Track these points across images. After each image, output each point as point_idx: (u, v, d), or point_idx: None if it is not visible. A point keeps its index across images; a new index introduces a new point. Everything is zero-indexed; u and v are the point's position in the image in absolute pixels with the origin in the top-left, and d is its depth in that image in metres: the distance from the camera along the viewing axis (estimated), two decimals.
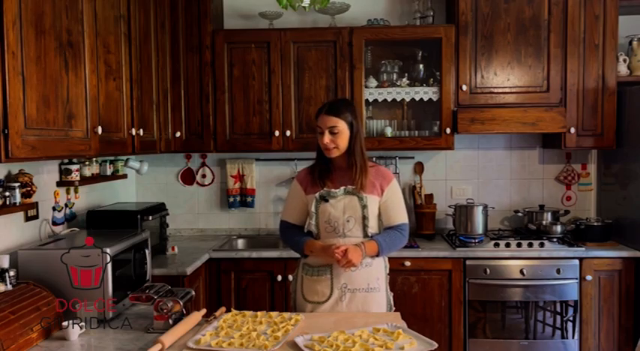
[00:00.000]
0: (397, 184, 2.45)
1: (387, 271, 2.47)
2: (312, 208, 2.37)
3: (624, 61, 3.59)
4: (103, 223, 2.98)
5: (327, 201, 2.34)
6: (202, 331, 1.96)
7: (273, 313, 2.15)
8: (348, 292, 2.34)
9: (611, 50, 3.49)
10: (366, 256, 2.31)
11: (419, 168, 3.93)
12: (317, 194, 2.36)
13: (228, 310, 2.22)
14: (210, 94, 3.63)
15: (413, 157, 3.93)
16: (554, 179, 3.94)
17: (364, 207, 2.33)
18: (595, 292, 3.32)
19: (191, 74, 3.63)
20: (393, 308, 2.47)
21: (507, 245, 3.40)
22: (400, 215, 2.43)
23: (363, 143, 2.39)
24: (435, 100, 3.60)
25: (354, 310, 2.33)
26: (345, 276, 2.34)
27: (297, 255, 2.55)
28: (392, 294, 2.48)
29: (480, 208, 3.58)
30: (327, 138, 2.32)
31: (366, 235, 2.35)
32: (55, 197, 2.86)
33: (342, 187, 2.35)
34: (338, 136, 2.32)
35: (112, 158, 3.39)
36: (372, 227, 2.37)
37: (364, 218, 2.33)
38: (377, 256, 2.36)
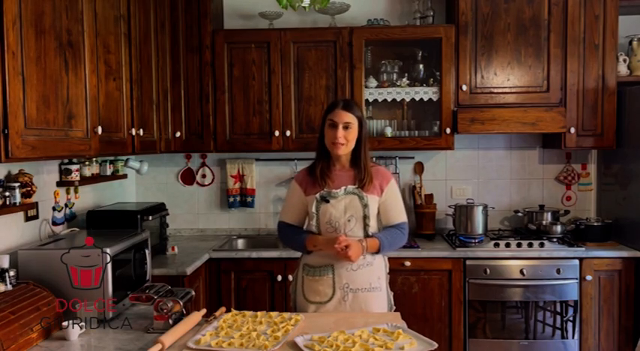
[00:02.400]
0: (396, 183, 2.46)
1: (388, 270, 2.48)
2: (313, 209, 2.36)
3: (624, 61, 3.59)
4: (103, 223, 2.98)
5: (327, 202, 2.34)
6: (202, 331, 1.96)
7: (273, 313, 2.14)
8: (351, 292, 2.34)
9: (611, 50, 3.49)
10: (366, 254, 2.32)
11: (419, 168, 3.93)
12: (317, 195, 2.36)
13: (228, 310, 2.21)
14: (210, 94, 3.63)
15: (413, 157, 3.93)
16: (554, 179, 3.94)
17: (365, 206, 2.33)
18: (595, 292, 3.32)
19: (191, 74, 3.63)
20: (394, 307, 2.47)
21: (507, 245, 3.40)
22: (400, 214, 2.45)
23: (367, 143, 2.42)
24: (435, 100, 3.60)
25: (357, 310, 2.33)
26: (347, 276, 2.34)
27: (297, 255, 2.54)
28: (392, 293, 2.49)
29: (480, 208, 3.58)
30: (340, 133, 2.32)
31: (366, 234, 2.35)
32: (55, 197, 2.86)
33: (343, 187, 2.35)
34: (350, 132, 2.34)
35: (112, 158, 3.39)
36: (373, 227, 2.37)
37: (365, 217, 2.33)
38: (377, 253, 2.37)
